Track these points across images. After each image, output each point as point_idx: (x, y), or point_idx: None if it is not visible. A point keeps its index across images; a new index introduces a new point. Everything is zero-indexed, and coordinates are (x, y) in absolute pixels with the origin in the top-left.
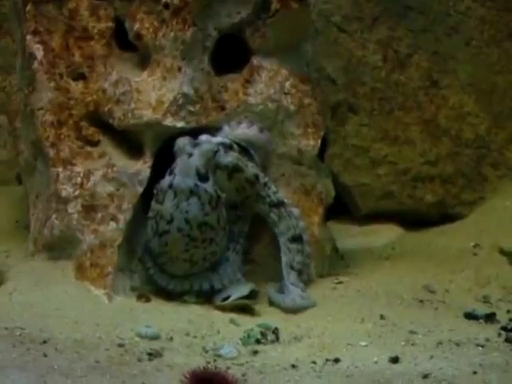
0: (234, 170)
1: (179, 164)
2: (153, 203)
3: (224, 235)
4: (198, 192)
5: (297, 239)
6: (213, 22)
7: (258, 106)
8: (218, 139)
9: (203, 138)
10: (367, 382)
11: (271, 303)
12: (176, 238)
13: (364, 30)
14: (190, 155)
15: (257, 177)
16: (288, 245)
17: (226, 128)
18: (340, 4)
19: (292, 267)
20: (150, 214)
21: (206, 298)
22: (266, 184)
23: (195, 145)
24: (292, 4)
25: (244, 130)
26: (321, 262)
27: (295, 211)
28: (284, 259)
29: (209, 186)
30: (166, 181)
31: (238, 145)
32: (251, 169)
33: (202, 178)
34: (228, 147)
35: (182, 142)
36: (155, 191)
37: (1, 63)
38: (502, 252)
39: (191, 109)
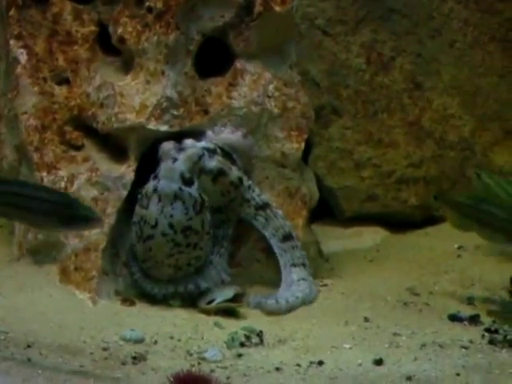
0: (218, 174)
1: (164, 168)
2: (137, 208)
3: (208, 239)
4: (182, 196)
5: (288, 237)
6: (196, 26)
7: (242, 109)
8: (203, 144)
9: (188, 142)
10: None
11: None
12: (160, 243)
13: (348, 32)
14: (175, 160)
15: (241, 180)
16: (281, 245)
17: (209, 133)
18: (323, 7)
19: (294, 264)
20: (134, 218)
21: (191, 301)
22: (249, 187)
23: (180, 149)
24: (275, 7)
25: (228, 135)
26: None
27: (279, 212)
28: (282, 261)
29: (193, 190)
30: (151, 185)
31: (222, 149)
32: (235, 172)
33: (187, 182)
34: (212, 151)
35: (167, 146)
36: (139, 196)
37: None
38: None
39: (175, 112)
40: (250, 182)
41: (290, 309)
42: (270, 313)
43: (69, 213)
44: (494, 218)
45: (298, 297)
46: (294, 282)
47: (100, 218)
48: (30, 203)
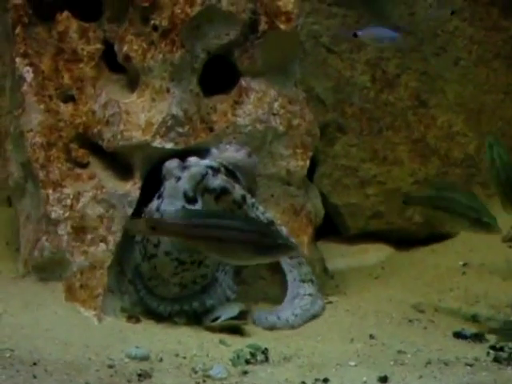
0: (221, 193)
1: (167, 187)
2: None
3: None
4: None
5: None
6: (201, 44)
7: (247, 127)
8: (206, 162)
9: (192, 160)
10: None
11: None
12: (164, 262)
13: (352, 50)
14: (179, 179)
15: (244, 198)
16: (289, 262)
17: (214, 151)
18: (328, 25)
19: (303, 280)
20: (137, 237)
21: (196, 319)
22: (253, 205)
23: (184, 168)
24: (280, 25)
25: (232, 154)
26: None
27: (284, 229)
28: (291, 276)
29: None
30: (154, 204)
31: (225, 168)
32: (238, 190)
33: (190, 200)
34: (216, 170)
35: (171, 165)
36: (143, 215)
37: None
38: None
39: (180, 130)
40: (254, 200)
41: (292, 326)
42: (271, 328)
43: (266, 242)
44: (456, 205)
45: (297, 315)
46: (300, 295)
47: (296, 247)
48: (227, 234)
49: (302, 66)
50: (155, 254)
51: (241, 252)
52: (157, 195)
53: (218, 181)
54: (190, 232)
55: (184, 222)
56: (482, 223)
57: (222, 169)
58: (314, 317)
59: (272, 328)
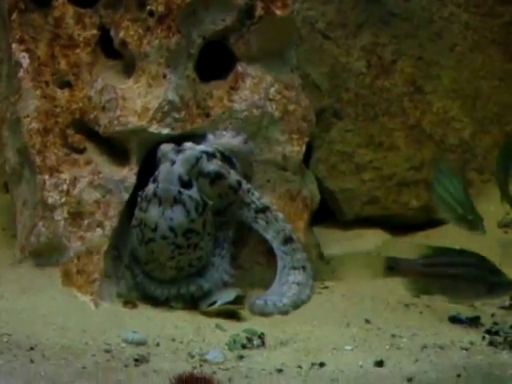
0: (216, 177)
1: (162, 171)
2: (136, 211)
3: (210, 240)
4: (182, 199)
5: (288, 240)
6: (197, 30)
7: (243, 112)
8: (202, 147)
9: (187, 145)
10: None
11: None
12: (161, 246)
13: (348, 36)
14: (173, 162)
15: (239, 183)
16: (282, 248)
17: (210, 137)
18: (324, 11)
19: (294, 267)
20: (134, 222)
21: (193, 303)
22: (249, 190)
23: (178, 151)
24: (276, 11)
25: (228, 140)
26: None
27: (280, 215)
28: (282, 263)
29: (193, 193)
30: (150, 188)
31: (221, 153)
32: (234, 176)
33: (186, 184)
34: (211, 155)
35: (165, 148)
36: (139, 199)
37: None
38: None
39: (176, 116)
40: (250, 186)
41: (279, 312)
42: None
43: (495, 279)
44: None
45: (286, 304)
46: (288, 283)
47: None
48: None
49: (297, 52)
50: (153, 238)
51: (473, 290)
52: (152, 179)
53: (212, 165)
54: (428, 271)
55: (422, 260)
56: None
57: (218, 154)
58: (300, 305)
59: (261, 314)
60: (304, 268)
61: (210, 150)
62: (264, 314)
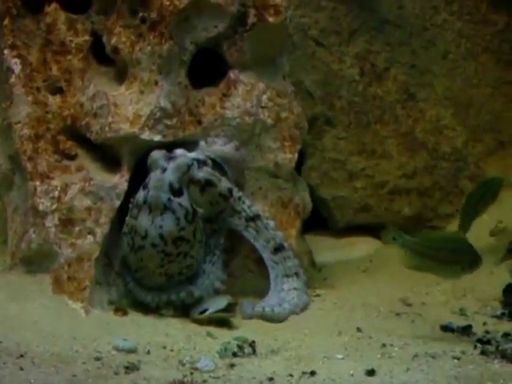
0: (206, 185)
1: (153, 179)
2: (127, 218)
3: (200, 247)
4: (171, 207)
5: (279, 249)
6: (190, 36)
7: (235, 119)
8: (193, 154)
9: (178, 152)
10: None
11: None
12: (151, 254)
13: (341, 43)
14: (164, 170)
15: (230, 191)
16: (272, 258)
17: (202, 144)
18: (317, 18)
19: (287, 275)
20: (125, 229)
21: (183, 311)
22: (240, 198)
23: (169, 158)
24: (269, 18)
25: (220, 147)
26: None
27: (271, 223)
28: (274, 273)
29: (184, 201)
30: (141, 195)
31: (213, 161)
32: (225, 183)
33: (176, 192)
34: (202, 162)
35: (156, 155)
36: (130, 206)
37: None
38: None
39: (168, 122)
40: (241, 194)
41: (278, 319)
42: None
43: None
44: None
45: (286, 308)
46: (285, 291)
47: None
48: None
49: (290, 59)
50: (143, 246)
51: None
52: (142, 186)
53: (202, 173)
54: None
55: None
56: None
57: (209, 161)
58: (301, 310)
59: (258, 317)
60: (297, 274)
61: (201, 157)
62: (263, 318)
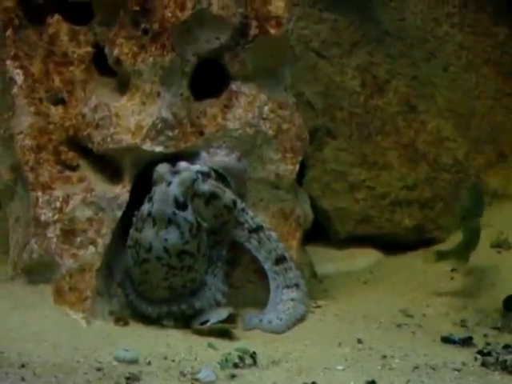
0: (211, 197)
1: (158, 192)
2: (131, 231)
3: (204, 261)
4: (176, 221)
5: (281, 260)
6: (192, 48)
7: (237, 131)
8: (197, 167)
9: (182, 165)
10: None
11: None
12: (155, 267)
13: (343, 55)
14: (169, 183)
15: (234, 203)
16: (274, 268)
17: (204, 155)
18: (318, 30)
19: (287, 286)
20: (129, 242)
21: (185, 321)
22: (243, 210)
23: (174, 173)
24: (270, 30)
25: (222, 158)
26: None
27: (273, 234)
28: (275, 284)
29: (188, 215)
30: (145, 208)
31: (216, 172)
32: (229, 195)
33: (181, 206)
34: (206, 175)
35: (162, 169)
36: (134, 219)
37: None
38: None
39: (170, 134)
40: (244, 205)
41: (276, 330)
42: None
43: None
44: None
45: (282, 319)
46: (282, 301)
47: None
48: None
49: (292, 71)
50: (147, 259)
51: None
52: (147, 199)
53: (207, 186)
54: None
55: None
56: None
57: (213, 173)
58: (298, 321)
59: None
60: (298, 285)
61: (205, 169)
62: (261, 330)
